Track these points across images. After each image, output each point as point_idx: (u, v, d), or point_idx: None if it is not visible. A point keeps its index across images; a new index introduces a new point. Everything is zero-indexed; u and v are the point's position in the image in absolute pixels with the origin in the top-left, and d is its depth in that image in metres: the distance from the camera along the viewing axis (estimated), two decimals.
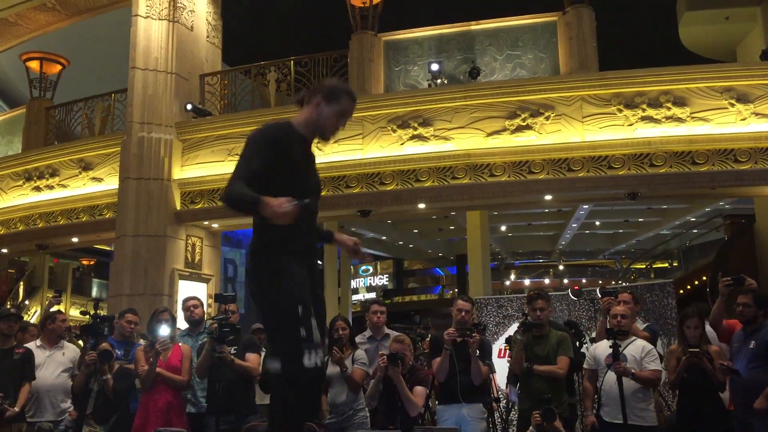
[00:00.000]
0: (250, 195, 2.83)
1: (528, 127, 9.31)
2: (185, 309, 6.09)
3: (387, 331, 6.15)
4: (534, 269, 28.90)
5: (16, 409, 5.43)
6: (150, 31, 10.63)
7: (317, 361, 2.88)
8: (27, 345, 5.89)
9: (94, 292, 22.94)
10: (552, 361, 5.32)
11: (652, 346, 5.30)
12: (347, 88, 3.26)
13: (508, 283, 27.10)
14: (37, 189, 11.94)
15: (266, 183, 2.97)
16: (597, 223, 22.59)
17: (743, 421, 4.89)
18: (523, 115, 9.33)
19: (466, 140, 9.48)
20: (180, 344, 5.68)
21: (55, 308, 7.36)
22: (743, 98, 8.92)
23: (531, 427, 4.76)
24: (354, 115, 3.31)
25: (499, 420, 7.19)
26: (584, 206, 18.03)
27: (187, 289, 10.05)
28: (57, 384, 5.78)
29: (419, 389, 5.29)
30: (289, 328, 2.89)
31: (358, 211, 9.91)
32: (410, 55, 10.43)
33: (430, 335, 7.80)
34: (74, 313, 19.69)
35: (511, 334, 6.61)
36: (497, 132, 9.41)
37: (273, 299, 2.97)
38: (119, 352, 5.83)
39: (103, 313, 6.81)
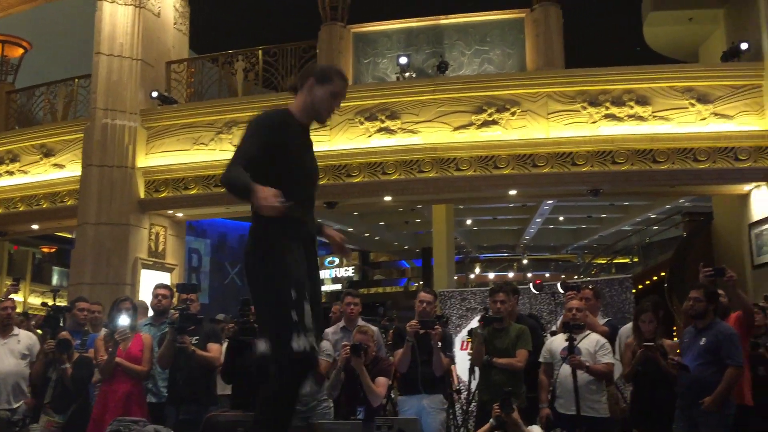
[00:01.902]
0: (244, 181, 2.82)
1: (494, 123, 9.41)
2: (154, 296, 6.06)
3: (361, 323, 6.16)
4: (498, 263, 29.16)
5: None
6: (116, 16, 10.48)
7: (306, 345, 2.86)
8: None
9: (55, 280, 22.55)
10: (511, 354, 5.41)
11: (605, 340, 5.41)
12: (338, 69, 3.29)
13: (472, 276, 27.31)
14: None
15: (264, 170, 2.98)
16: (561, 218, 22.89)
17: (687, 414, 4.99)
18: (489, 111, 9.43)
19: (433, 134, 9.54)
20: (141, 333, 5.64)
21: (12, 296, 7.22)
22: (703, 98, 9.13)
23: (491, 419, 4.83)
24: None
25: (460, 411, 7.28)
26: (548, 201, 18.24)
27: (150, 278, 9.96)
28: (13, 372, 5.68)
29: (381, 380, 5.33)
30: (281, 311, 2.89)
31: (325, 202, 9.91)
32: (379, 48, 10.45)
33: (393, 327, 7.86)
34: (33, 300, 19.37)
35: (474, 326, 6.69)
36: (464, 126, 9.50)
37: (267, 281, 2.96)
38: (77, 342, 5.77)
39: (61, 302, 6.71)
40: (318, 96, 3.17)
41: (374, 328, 5.85)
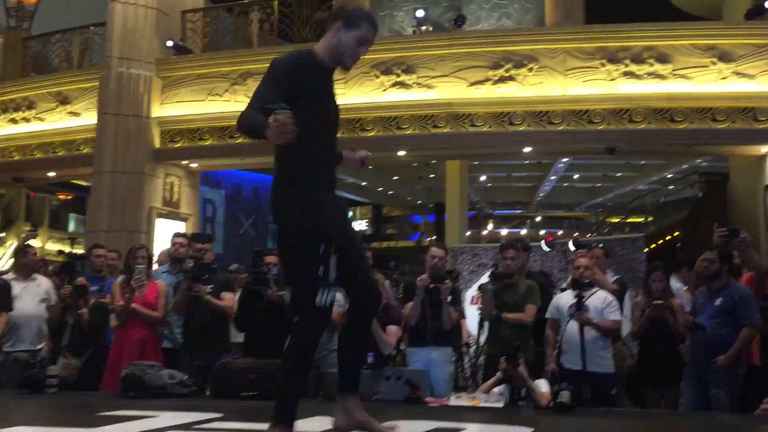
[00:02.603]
0: (255, 119, 2.79)
1: (511, 78, 9.31)
2: (172, 244, 6.16)
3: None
4: (511, 220, 29.12)
5: None
6: None
7: (328, 301, 2.92)
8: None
9: (71, 227, 22.79)
10: (520, 309, 5.47)
11: (613, 297, 5.44)
12: (368, 14, 3.18)
13: (485, 232, 27.31)
14: (13, 121, 11.77)
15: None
16: (575, 176, 22.73)
17: (698, 373, 5.06)
18: (506, 66, 9.31)
19: (449, 89, 9.46)
20: (156, 281, 5.74)
21: (30, 241, 7.35)
22: (725, 57, 8.96)
23: (498, 372, 4.91)
24: None
25: (469, 364, 7.38)
26: (563, 159, 18.12)
27: (164, 227, 10.07)
28: (35, 314, 5.84)
29: (392, 328, 5.41)
30: (309, 265, 2.91)
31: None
32: (396, 1, 10.31)
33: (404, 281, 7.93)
34: (51, 247, 19.65)
35: (484, 281, 6.74)
36: (480, 82, 9.40)
37: (297, 233, 2.95)
38: (94, 287, 5.89)
39: (79, 250, 6.83)
40: (344, 41, 3.07)
41: (382, 276, 5.88)
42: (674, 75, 9.02)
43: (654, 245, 13.54)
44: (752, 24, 9.20)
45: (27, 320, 5.80)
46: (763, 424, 4.29)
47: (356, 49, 3.11)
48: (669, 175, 20.67)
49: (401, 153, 10.05)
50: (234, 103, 10.20)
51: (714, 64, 8.98)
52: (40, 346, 5.70)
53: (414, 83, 9.57)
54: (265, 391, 4.72)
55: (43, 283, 6.06)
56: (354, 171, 3.40)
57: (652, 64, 9.05)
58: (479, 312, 6.15)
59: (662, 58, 9.04)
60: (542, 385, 4.75)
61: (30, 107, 11.60)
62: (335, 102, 3.23)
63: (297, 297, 3.00)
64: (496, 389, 4.82)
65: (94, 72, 10.89)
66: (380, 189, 24.82)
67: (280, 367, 3.02)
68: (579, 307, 5.13)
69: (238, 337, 5.95)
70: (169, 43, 10.40)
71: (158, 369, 4.90)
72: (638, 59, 9.08)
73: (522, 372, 4.64)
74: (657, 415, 5.07)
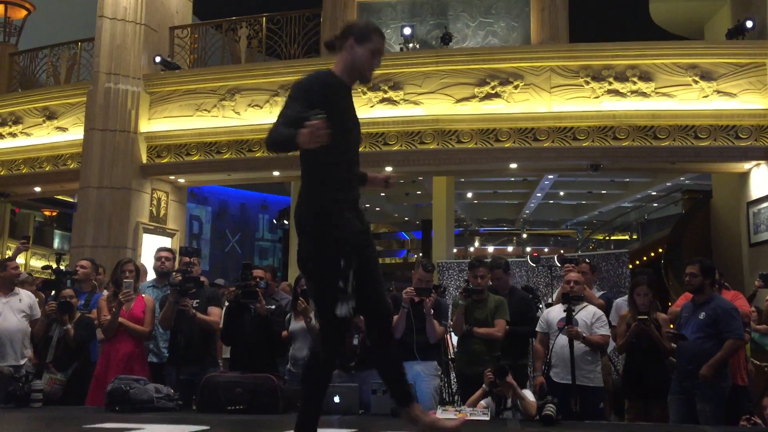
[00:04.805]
0: (286, 132, 2.89)
1: (497, 95, 9.42)
2: (157, 258, 6.14)
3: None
4: (498, 237, 29.25)
5: None
6: None
7: (348, 312, 3.03)
8: None
9: (56, 244, 22.66)
10: (490, 324, 5.53)
11: (602, 313, 5.49)
12: (376, 26, 3.32)
13: (472, 249, 27.40)
14: (0, 136, 11.73)
15: None
16: (561, 193, 22.91)
17: (684, 388, 5.10)
18: (492, 83, 9.42)
19: (436, 105, 9.55)
20: (143, 295, 5.73)
21: (21, 256, 7.28)
22: (707, 76, 9.13)
23: (484, 385, 4.92)
24: None
25: (455, 379, 7.40)
26: (549, 176, 18.27)
27: (151, 242, 10.04)
28: (18, 329, 5.77)
29: None
30: (329, 279, 3.02)
31: None
32: (383, 18, 10.42)
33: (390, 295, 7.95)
34: (35, 263, 19.50)
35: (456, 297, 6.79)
36: (466, 99, 9.50)
37: (318, 247, 3.07)
38: (81, 302, 5.86)
39: (64, 266, 6.78)
40: (359, 55, 3.21)
41: None
42: (657, 93, 9.17)
43: (638, 261, 13.65)
44: (733, 43, 9.37)
45: (10, 335, 5.74)
46: None
47: (372, 60, 3.25)
48: (653, 193, 20.89)
49: (388, 169, 10.10)
50: (222, 118, 10.24)
51: (696, 82, 9.14)
52: (23, 361, 5.66)
53: (401, 100, 9.65)
54: (251, 405, 4.72)
55: (24, 298, 5.98)
56: (378, 190, 3.57)
57: (635, 83, 9.19)
58: (450, 328, 6.22)
59: (645, 77, 9.19)
60: (528, 395, 4.79)
61: (16, 122, 11.58)
62: (356, 118, 3.32)
63: (318, 308, 3.12)
64: (482, 402, 4.84)
65: (81, 87, 10.90)
66: (367, 205, 24.85)
67: (303, 380, 3.12)
68: (569, 321, 5.16)
69: (225, 352, 5.94)
70: (157, 59, 10.44)
71: (144, 383, 4.89)
72: (622, 77, 9.23)
73: (511, 381, 4.68)
74: (643, 428, 5.10)
